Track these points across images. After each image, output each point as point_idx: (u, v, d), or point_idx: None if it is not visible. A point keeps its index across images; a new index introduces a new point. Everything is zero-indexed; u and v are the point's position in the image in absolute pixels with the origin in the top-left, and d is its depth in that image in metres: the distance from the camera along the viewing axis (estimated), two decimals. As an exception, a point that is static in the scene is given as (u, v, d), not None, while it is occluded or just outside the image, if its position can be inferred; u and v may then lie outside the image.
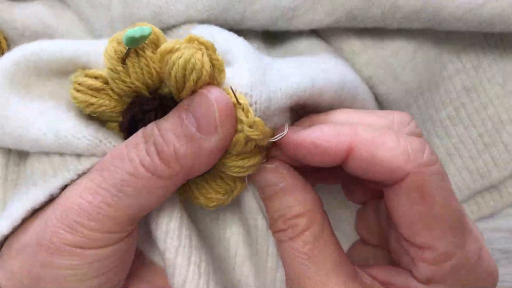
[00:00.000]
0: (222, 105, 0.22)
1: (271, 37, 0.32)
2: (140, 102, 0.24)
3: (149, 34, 0.22)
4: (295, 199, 0.25)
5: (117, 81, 0.23)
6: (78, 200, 0.22)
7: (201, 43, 0.23)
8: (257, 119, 0.23)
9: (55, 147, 0.25)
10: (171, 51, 0.22)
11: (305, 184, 0.25)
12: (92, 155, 0.25)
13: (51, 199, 0.24)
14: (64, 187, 0.24)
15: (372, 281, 0.24)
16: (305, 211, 0.24)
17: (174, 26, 0.30)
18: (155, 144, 0.23)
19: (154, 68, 0.23)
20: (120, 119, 0.25)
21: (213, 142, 0.22)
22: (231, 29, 0.29)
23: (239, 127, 0.23)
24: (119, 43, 0.23)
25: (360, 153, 0.23)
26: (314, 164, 0.24)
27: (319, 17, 0.30)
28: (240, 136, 0.23)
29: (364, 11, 0.30)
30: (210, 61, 0.23)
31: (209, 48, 0.23)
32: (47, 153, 0.25)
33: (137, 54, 0.23)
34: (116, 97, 0.24)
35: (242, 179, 0.26)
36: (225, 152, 0.24)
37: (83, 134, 0.24)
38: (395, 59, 0.32)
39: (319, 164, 0.24)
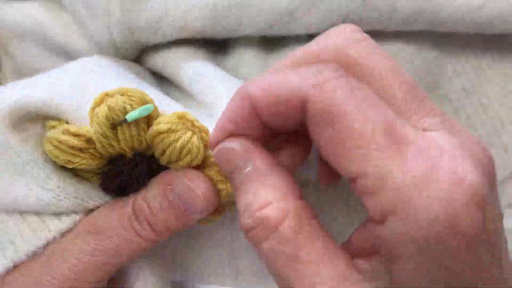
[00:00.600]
0: (207, 197, 0.25)
1: (269, 43, 0.33)
2: (122, 166, 0.25)
3: (151, 111, 0.23)
4: (263, 184, 0.21)
5: (105, 145, 0.24)
6: (76, 262, 0.25)
7: (197, 127, 0.24)
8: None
9: (34, 208, 0.25)
10: (167, 131, 0.23)
11: (279, 168, 0.22)
12: (72, 212, 0.26)
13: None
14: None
15: (371, 266, 0.21)
16: (275, 199, 0.21)
17: (163, 46, 0.30)
18: (146, 219, 0.25)
19: (144, 138, 0.24)
20: (98, 171, 0.26)
21: (199, 217, 0.26)
22: (229, 36, 0.30)
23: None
24: (110, 109, 0.23)
25: (255, 95, 0.21)
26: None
27: (316, 21, 0.30)
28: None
29: (361, 15, 0.30)
30: (203, 140, 0.24)
31: (202, 132, 0.24)
32: (20, 213, 0.26)
33: (129, 125, 0.24)
34: (98, 155, 0.25)
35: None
36: None
37: (65, 194, 0.25)
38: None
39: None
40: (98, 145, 0.24)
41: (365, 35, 0.24)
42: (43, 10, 0.32)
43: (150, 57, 0.32)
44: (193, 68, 0.30)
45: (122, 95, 0.24)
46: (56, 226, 0.26)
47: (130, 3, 0.30)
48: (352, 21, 0.30)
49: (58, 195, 0.25)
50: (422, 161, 0.19)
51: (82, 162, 0.24)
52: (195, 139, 0.24)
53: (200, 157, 0.24)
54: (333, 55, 0.23)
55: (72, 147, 0.24)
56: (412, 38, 0.32)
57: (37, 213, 0.26)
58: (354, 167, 0.19)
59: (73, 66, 0.29)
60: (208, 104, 0.28)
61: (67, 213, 0.26)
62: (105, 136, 0.24)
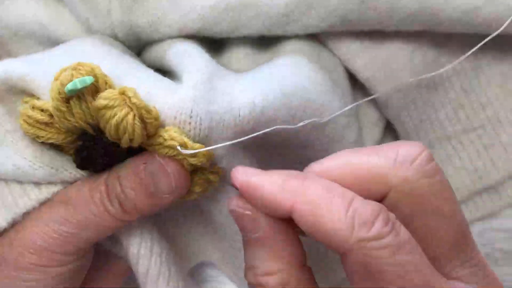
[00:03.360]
0: (178, 174, 0.25)
1: (262, 42, 0.32)
2: (88, 141, 0.25)
3: (91, 83, 0.23)
4: (269, 253, 0.22)
5: (61, 119, 0.24)
6: (45, 228, 0.25)
7: (133, 103, 0.24)
8: (197, 145, 0.24)
9: (13, 176, 0.26)
10: (104, 107, 0.23)
11: (285, 236, 0.23)
12: (50, 183, 0.26)
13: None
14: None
15: None
16: (277, 270, 0.22)
17: (160, 40, 0.30)
18: (117, 197, 0.26)
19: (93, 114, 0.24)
20: (72, 146, 0.26)
21: (169, 199, 0.26)
22: (227, 37, 0.30)
23: (182, 157, 0.25)
24: (62, 84, 0.23)
25: (301, 218, 0.21)
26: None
27: (313, 22, 0.30)
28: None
29: (359, 15, 0.30)
30: (143, 121, 0.24)
31: (141, 108, 0.24)
32: (5, 181, 0.26)
33: (78, 98, 0.24)
34: (63, 130, 0.25)
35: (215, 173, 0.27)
36: None
37: (39, 164, 0.26)
38: (393, 61, 0.32)
39: (266, 212, 0.23)
40: (56, 120, 0.25)
41: (438, 166, 0.23)
42: (43, 7, 0.32)
43: (149, 50, 0.32)
44: (180, 47, 0.29)
45: (74, 69, 0.24)
46: (36, 195, 0.26)
47: (129, 4, 0.30)
48: (351, 21, 0.30)
49: (33, 163, 0.26)
50: None
51: (49, 136, 0.25)
52: (129, 117, 0.23)
53: (138, 136, 0.24)
54: (399, 181, 0.22)
55: (38, 122, 0.25)
56: (412, 38, 0.32)
57: (19, 181, 0.26)
58: None
59: (65, 45, 0.29)
60: (181, 73, 0.27)
61: (45, 184, 0.26)
62: (58, 109, 0.24)
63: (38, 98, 0.26)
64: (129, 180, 0.26)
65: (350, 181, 0.22)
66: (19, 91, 0.27)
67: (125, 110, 0.23)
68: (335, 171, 0.23)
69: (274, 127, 0.26)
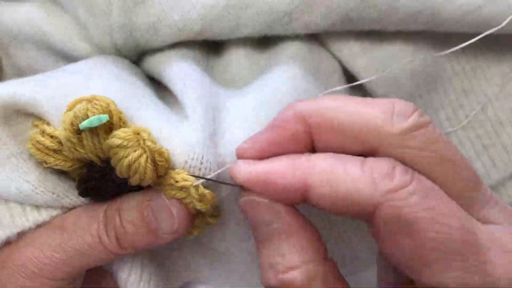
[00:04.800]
0: (182, 216, 0.25)
1: (262, 42, 0.32)
2: (94, 172, 0.26)
3: (106, 120, 0.24)
4: (291, 245, 0.21)
5: (71, 149, 0.25)
6: (39, 253, 0.25)
7: (147, 146, 0.24)
8: (206, 192, 0.25)
9: (14, 198, 0.26)
10: (118, 146, 0.23)
11: (306, 227, 0.22)
12: (50, 206, 0.26)
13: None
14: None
15: None
16: (303, 262, 0.21)
17: (157, 51, 0.30)
18: (115, 230, 0.25)
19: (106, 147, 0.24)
20: (77, 172, 0.26)
21: (168, 239, 0.26)
22: (228, 38, 0.30)
23: (189, 200, 0.25)
24: (76, 117, 0.24)
25: (319, 190, 0.20)
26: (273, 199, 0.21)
27: (315, 20, 0.30)
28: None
29: (360, 14, 0.30)
30: (155, 163, 0.24)
31: (155, 152, 0.24)
32: (6, 201, 0.26)
33: (91, 132, 0.24)
34: (70, 158, 0.25)
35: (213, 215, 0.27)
36: None
37: (42, 188, 0.26)
38: (393, 62, 0.32)
39: (278, 200, 0.21)
40: (66, 149, 0.25)
41: (431, 120, 0.22)
42: (43, 12, 0.32)
43: (147, 60, 0.32)
44: (178, 68, 0.29)
45: (90, 102, 0.24)
46: (34, 217, 0.26)
47: (129, 5, 0.29)
48: (352, 20, 0.30)
49: (36, 188, 0.26)
50: (502, 270, 0.19)
51: (56, 162, 0.26)
52: (142, 159, 0.24)
53: (148, 177, 0.24)
54: (393, 133, 0.21)
55: (47, 148, 0.25)
56: (412, 38, 0.32)
57: (20, 203, 0.26)
58: (433, 277, 0.19)
59: (70, 66, 0.29)
60: (184, 105, 0.28)
61: (45, 207, 0.26)
62: (69, 140, 0.24)
63: (48, 123, 0.26)
64: (131, 215, 0.25)
65: (346, 127, 0.21)
66: (27, 114, 0.27)
67: (138, 151, 0.24)
68: (330, 113, 0.21)
69: None
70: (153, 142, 0.24)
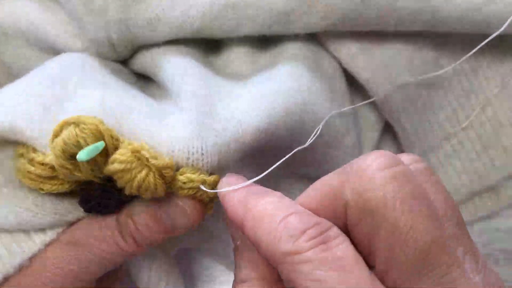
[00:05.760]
0: (195, 210, 0.26)
1: (261, 41, 0.32)
2: (95, 190, 0.25)
3: (102, 148, 0.23)
4: (247, 260, 0.23)
5: (67, 175, 0.24)
6: (56, 270, 0.25)
7: (152, 164, 0.24)
8: (213, 178, 0.25)
9: (17, 227, 0.26)
10: (122, 171, 0.23)
11: None
12: (55, 226, 0.26)
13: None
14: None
15: None
16: (253, 278, 0.22)
17: (153, 46, 0.30)
18: (132, 235, 0.26)
19: (103, 169, 0.24)
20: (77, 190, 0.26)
21: (183, 232, 0.26)
22: (227, 36, 0.30)
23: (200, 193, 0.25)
24: (66, 143, 0.23)
25: (247, 231, 0.22)
26: None
27: (314, 20, 0.30)
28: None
29: (359, 14, 0.30)
30: (162, 176, 0.24)
31: (159, 167, 0.24)
32: (8, 230, 0.26)
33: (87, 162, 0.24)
34: (67, 181, 0.25)
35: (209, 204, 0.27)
36: None
37: (42, 212, 0.26)
38: (393, 62, 0.32)
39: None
40: (60, 175, 0.24)
41: (397, 172, 0.20)
42: (36, 7, 0.31)
43: (140, 55, 0.32)
44: (175, 62, 0.29)
45: (77, 126, 0.23)
46: (40, 238, 0.26)
47: (128, 1, 0.29)
48: (351, 20, 0.30)
49: (36, 213, 0.25)
50: None
51: (53, 188, 0.25)
52: (150, 177, 0.23)
53: (160, 191, 0.24)
54: (351, 195, 0.20)
55: (40, 176, 0.25)
56: (412, 39, 0.32)
57: (23, 230, 0.26)
58: None
59: (46, 70, 0.28)
60: (178, 98, 0.27)
61: (50, 227, 0.26)
62: (64, 167, 0.24)
63: (34, 149, 0.25)
64: (143, 218, 0.26)
65: (316, 206, 0.21)
66: (6, 140, 0.26)
67: (144, 171, 0.23)
68: (307, 202, 0.22)
69: (295, 150, 0.26)
70: (155, 157, 0.24)
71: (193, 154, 0.25)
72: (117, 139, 0.24)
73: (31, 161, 0.25)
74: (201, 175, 0.25)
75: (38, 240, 0.26)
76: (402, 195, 0.19)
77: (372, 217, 0.20)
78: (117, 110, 0.26)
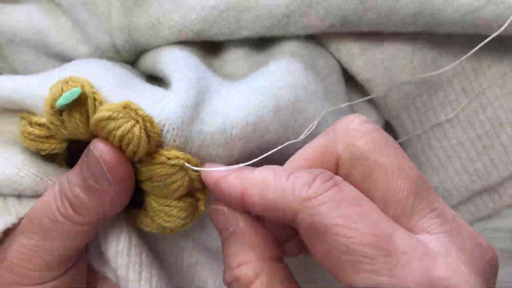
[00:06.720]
0: (106, 158, 0.24)
1: (260, 42, 0.33)
2: (79, 146, 0.25)
3: (79, 94, 0.23)
4: (242, 245, 0.23)
5: (57, 132, 0.25)
6: (17, 245, 0.25)
7: (139, 115, 0.23)
8: (195, 160, 0.25)
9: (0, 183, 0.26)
10: (108, 119, 0.23)
11: (258, 230, 0.24)
12: (34, 193, 0.26)
13: None
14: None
15: None
16: (251, 259, 0.23)
17: (155, 47, 0.30)
18: (67, 197, 0.25)
19: (86, 127, 0.24)
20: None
21: (112, 192, 0.24)
22: (228, 39, 0.30)
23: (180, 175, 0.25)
24: (54, 99, 0.24)
25: (252, 198, 0.23)
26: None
27: (314, 22, 0.30)
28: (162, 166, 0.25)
29: (359, 16, 0.30)
30: (147, 134, 0.23)
31: (147, 121, 0.23)
32: None
33: (69, 112, 0.24)
34: (63, 140, 0.26)
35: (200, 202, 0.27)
36: (155, 195, 0.26)
37: (26, 171, 0.26)
38: (393, 62, 0.32)
39: (236, 208, 0.24)
40: (53, 133, 0.25)
41: (376, 126, 0.24)
42: (41, 14, 0.32)
43: (143, 57, 0.32)
44: (173, 53, 0.30)
45: (66, 82, 0.24)
46: (16, 210, 0.26)
47: (130, 6, 0.30)
48: (351, 22, 0.30)
49: (19, 170, 0.26)
50: (413, 273, 0.19)
51: (52, 147, 0.26)
52: (136, 128, 0.23)
53: (142, 148, 0.23)
54: (342, 148, 0.23)
55: (39, 136, 0.26)
56: (411, 39, 0.32)
57: (2, 195, 0.26)
58: (346, 278, 0.20)
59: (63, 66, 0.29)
60: (172, 84, 0.27)
61: (27, 196, 0.26)
62: (53, 123, 0.25)
63: (34, 114, 0.26)
64: (74, 176, 0.25)
65: (309, 166, 0.23)
66: (5, 109, 0.27)
67: (131, 122, 0.23)
68: (299, 164, 0.24)
69: (286, 144, 0.26)
70: (145, 112, 0.24)
71: (177, 134, 0.25)
72: (101, 102, 0.24)
73: (30, 123, 0.26)
74: (187, 155, 0.25)
75: (14, 210, 0.26)
76: (386, 141, 0.23)
77: (364, 163, 0.23)
78: (114, 84, 0.26)
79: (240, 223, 0.24)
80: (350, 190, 0.22)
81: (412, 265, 0.20)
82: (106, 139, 0.24)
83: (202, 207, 0.27)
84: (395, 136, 0.36)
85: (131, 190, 0.26)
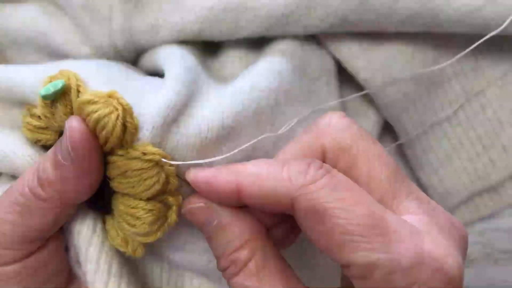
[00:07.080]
0: (72, 134, 0.23)
1: (258, 43, 0.32)
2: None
3: (63, 86, 0.24)
4: (233, 232, 0.24)
5: (50, 124, 0.26)
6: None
7: (120, 103, 0.23)
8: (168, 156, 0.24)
9: None
10: (88, 102, 0.23)
11: (240, 213, 0.25)
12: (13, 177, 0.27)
13: None
14: None
15: None
16: (245, 242, 0.24)
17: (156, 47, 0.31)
18: (37, 171, 0.24)
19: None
20: None
21: (73, 171, 0.24)
22: (227, 39, 0.30)
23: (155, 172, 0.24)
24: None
25: (248, 190, 0.23)
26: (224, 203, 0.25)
27: (313, 23, 0.30)
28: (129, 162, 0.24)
29: (359, 16, 0.30)
30: (124, 124, 0.23)
31: (126, 110, 0.24)
32: None
33: (55, 106, 0.25)
34: (57, 131, 0.26)
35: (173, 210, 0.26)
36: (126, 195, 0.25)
37: (22, 152, 0.27)
38: (392, 62, 0.32)
39: (228, 204, 0.25)
40: (46, 123, 0.26)
41: (353, 120, 0.26)
42: (43, 15, 0.32)
43: (145, 55, 0.32)
44: (171, 50, 0.30)
45: (54, 77, 0.25)
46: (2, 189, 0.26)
47: (130, 10, 0.30)
48: (350, 22, 0.30)
49: (17, 150, 0.27)
50: (406, 249, 0.21)
51: (47, 137, 0.27)
52: (113, 115, 0.23)
53: (115, 136, 0.23)
54: (327, 141, 0.25)
55: (36, 127, 0.27)
56: (411, 39, 0.32)
57: None
58: (344, 257, 0.22)
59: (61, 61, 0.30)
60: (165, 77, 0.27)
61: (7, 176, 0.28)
62: (44, 115, 0.26)
63: (35, 106, 0.27)
64: (50, 151, 0.25)
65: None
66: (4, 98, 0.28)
67: (110, 108, 0.23)
68: (285, 158, 0.26)
69: (264, 136, 0.27)
70: (127, 102, 0.24)
71: (155, 133, 0.24)
72: (85, 92, 0.24)
73: (30, 114, 0.27)
74: (162, 153, 0.24)
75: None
76: (364, 132, 0.25)
77: (349, 152, 0.25)
78: (104, 80, 0.26)
79: (224, 214, 0.25)
80: (341, 176, 0.23)
81: (404, 242, 0.21)
82: (83, 120, 0.24)
83: (174, 216, 0.26)
84: (395, 136, 0.36)
85: (96, 177, 0.25)
